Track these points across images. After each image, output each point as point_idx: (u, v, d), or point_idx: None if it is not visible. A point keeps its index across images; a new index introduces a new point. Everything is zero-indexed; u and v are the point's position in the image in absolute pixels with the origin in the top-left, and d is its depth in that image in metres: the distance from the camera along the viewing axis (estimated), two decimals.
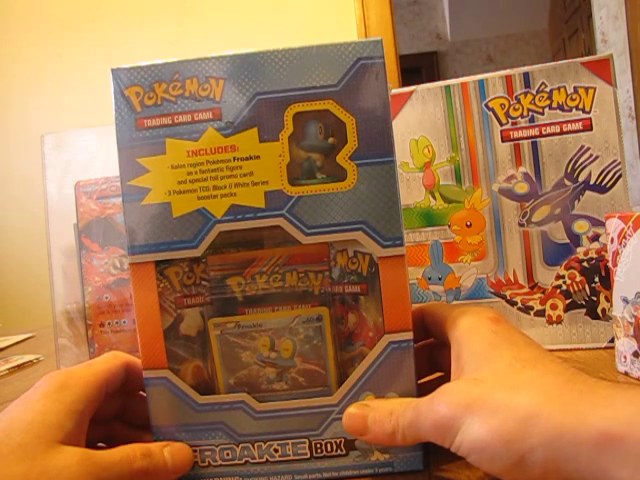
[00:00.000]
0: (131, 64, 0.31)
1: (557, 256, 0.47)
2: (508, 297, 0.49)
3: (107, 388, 0.30)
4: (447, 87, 0.49)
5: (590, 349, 0.46)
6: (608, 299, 0.46)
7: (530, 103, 0.47)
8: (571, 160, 0.47)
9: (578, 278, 0.47)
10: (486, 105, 0.48)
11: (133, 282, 0.31)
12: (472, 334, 0.29)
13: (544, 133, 0.47)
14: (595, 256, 0.46)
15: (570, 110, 0.46)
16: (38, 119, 1.81)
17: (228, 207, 0.30)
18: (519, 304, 0.48)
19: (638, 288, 0.37)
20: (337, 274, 0.31)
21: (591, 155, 0.46)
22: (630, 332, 0.38)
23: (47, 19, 1.81)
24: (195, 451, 0.31)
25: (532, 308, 0.48)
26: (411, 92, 0.50)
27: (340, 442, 0.31)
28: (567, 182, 0.47)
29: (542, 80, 0.47)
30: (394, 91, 0.50)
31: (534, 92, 0.47)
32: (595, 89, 0.46)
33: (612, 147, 0.46)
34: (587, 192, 0.46)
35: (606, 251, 0.45)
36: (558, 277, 0.47)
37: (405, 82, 1.39)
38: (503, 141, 0.48)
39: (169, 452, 0.30)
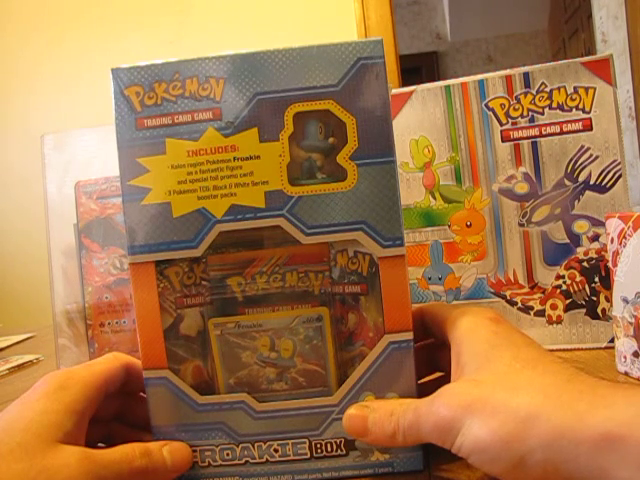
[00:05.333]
0: (131, 64, 0.31)
1: (557, 256, 0.47)
2: (508, 297, 0.49)
3: (107, 389, 0.30)
4: (447, 87, 0.49)
5: (590, 349, 0.46)
6: (608, 299, 0.46)
7: (530, 103, 0.47)
8: (571, 160, 0.47)
9: (578, 278, 0.47)
10: (486, 105, 0.48)
11: (133, 282, 0.31)
12: (472, 334, 0.29)
13: (544, 133, 0.47)
14: (595, 256, 0.46)
15: (570, 110, 0.46)
16: (38, 119, 1.81)
17: (228, 207, 0.30)
18: (519, 304, 0.48)
19: (638, 288, 0.37)
20: (337, 274, 0.31)
21: (591, 155, 0.46)
22: (630, 332, 0.38)
23: (47, 19, 1.81)
24: (195, 451, 0.31)
25: (532, 308, 0.48)
26: (411, 92, 0.50)
27: (340, 442, 0.31)
28: (567, 182, 0.47)
29: (542, 80, 0.47)
30: (394, 91, 0.50)
31: (534, 92, 0.47)
32: (595, 89, 0.46)
33: (612, 147, 0.46)
34: (587, 192, 0.46)
35: (606, 251, 0.45)
36: (558, 277, 0.47)
37: (405, 82, 1.39)
38: (503, 141, 0.48)
39: (168, 451, 0.30)
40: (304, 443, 0.31)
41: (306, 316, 0.31)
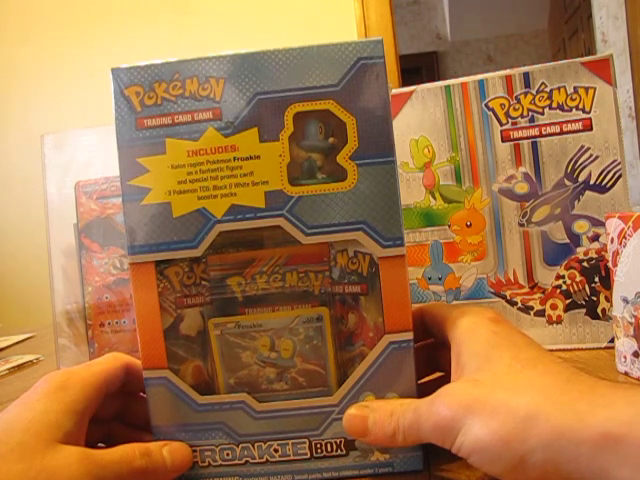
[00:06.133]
0: (131, 64, 0.31)
1: (557, 256, 0.47)
2: (508, 297, 0.49)
3: (107, 389, 0.30)
4: (447, 87, 0.49)
5: (590, 349, 0.46)
6: (608, 299, 0.46)
7: (530, 103, 0.47)
8: (571, 160, 0.47)
9: (578, 278, 0.47)
10: (486, 105, 0.48)
11: (133, 282, 0.31)
12: (472, 334, 0.29)
13: (544, 133, 0.47)
14: (595, 256, 0.46)
15: (570, 110, 0.46)
16: (38, 119, 1.81)
17: (228, 207, 0.30)
18: (519, 304, 0.48)
19: (638, 288, 0.37)
20: (337, 274, 0.31)
21: (591, 155, 0.46)
22: (630, 332, 0.38)
23: (47, 19, 1.81)
24: (195, 451, 0.31)
25: (532, 308, 0.48)
26: (411, 92, 0.50)
27: (340, 442, 0.31)
28: (567, 182, 0.47)
29: (542, 80, 0.47)
30: (394, 91, 0.50)
31: (534, 92, 0.47)
32: (595, 89, 0.46)
33: (612, 147, 0.46)
34: (587, 192, 0.46)
35: (606, 251, 0.45)
36: (558, 277, 0.47)
37: (405, 82, 1.39)
38: (503, 141, 0.48)
39: (168, 451, 0.30)
40: (304, 443, 0.31)
41: (306, 316, 0.31)
